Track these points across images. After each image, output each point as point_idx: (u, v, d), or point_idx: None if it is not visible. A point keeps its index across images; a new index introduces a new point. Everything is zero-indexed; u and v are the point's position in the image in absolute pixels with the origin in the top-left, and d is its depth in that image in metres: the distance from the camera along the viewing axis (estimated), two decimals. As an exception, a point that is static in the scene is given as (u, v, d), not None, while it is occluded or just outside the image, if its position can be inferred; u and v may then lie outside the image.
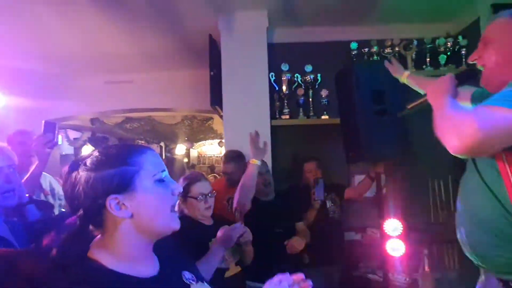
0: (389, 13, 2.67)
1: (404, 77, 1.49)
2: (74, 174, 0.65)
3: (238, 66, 2.61)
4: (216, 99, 2.56)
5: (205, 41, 2.71)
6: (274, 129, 2.67)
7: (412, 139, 2.00)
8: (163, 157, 6.85)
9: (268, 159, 2.33)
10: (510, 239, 0.88)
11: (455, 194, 2.90)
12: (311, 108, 2.78)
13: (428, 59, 2.73)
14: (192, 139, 7.58)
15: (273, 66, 2.75)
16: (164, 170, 0.71)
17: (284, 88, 2.74)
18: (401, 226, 1.96)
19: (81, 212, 0.64)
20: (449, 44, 2.68)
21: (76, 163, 0.67)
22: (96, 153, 0.68)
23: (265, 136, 2.52)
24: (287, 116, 2.74)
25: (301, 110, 2.77)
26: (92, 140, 6.00)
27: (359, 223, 2.61)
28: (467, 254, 1.02)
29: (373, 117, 1.88)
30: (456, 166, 2.76)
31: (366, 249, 2.51)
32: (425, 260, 2.29)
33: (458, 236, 1.04)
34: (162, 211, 0.68)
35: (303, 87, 2.78)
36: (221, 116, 2.82)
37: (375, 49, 2.74)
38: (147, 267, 0.70)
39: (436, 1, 2.54)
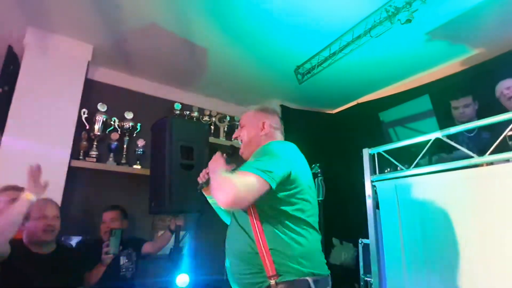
0: (211, 88, 3.11)
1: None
2: None
3: (39, 90, 2.20)
4: (-4, 121, 2.02)
5: (1, 51, 2.22)
6: (73, 171, 2.32)
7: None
8: None
9: (58, 203, 1.94)
10: (251, 262, 1.18)
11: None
12: (124, 155, 2.65)
13: (235, 133, 3.28)
14: None
15: (89, 103, 2.53)
16: None
17: (96, 128, 2.52)
18: (192, 281, 2.00)
19: None
20: (251, 125, 3.35)
21: None
22: None
23: (60, 177, 2.15)
24: (94, 160, 2.48)
25: (111, 155, 2.59)
26: None
27: (151, 282, 2.45)
28: (230, 282, 1.27)
29: (180, 170, 1.99)
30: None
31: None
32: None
33: (226, 265, 1.30)
34: None
35: (119, 132, 2.66)
36: None
37: (195, 114, 3.06)
38: None
39: (244, 90, 3.18)
